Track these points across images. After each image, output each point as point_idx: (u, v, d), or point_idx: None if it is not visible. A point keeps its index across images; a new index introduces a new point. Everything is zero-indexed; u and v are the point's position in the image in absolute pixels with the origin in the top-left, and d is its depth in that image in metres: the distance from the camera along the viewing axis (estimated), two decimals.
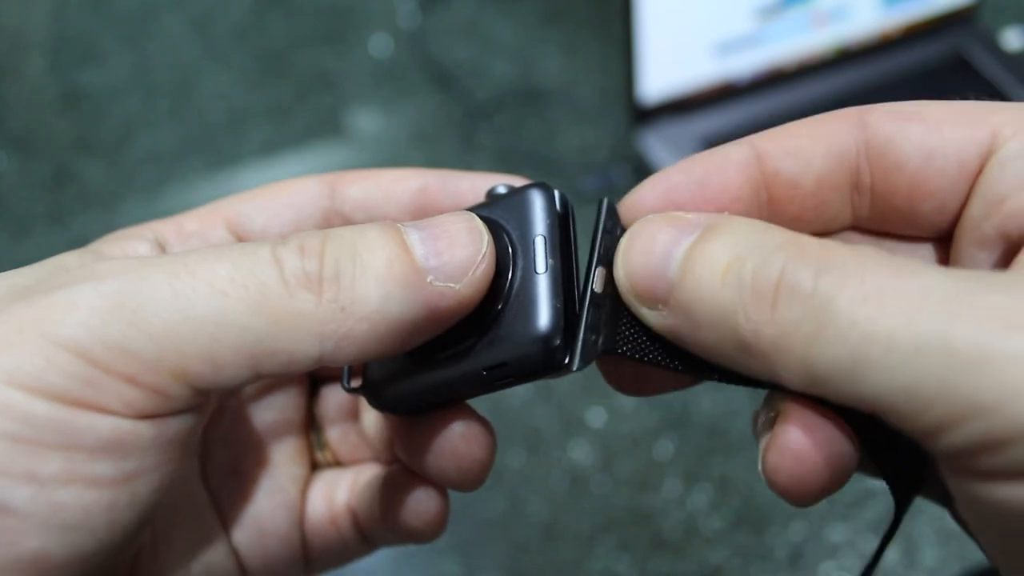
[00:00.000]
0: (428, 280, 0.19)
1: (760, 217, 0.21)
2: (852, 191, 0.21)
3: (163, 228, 0.23)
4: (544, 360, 0.20)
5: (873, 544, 0.55)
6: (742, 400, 0.61)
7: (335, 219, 0.25)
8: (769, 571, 0.55)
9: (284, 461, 0.25)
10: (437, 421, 0.22)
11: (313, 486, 0.26)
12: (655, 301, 0.19)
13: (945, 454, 0.15)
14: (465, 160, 0.78)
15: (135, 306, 0.17)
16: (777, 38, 0.75)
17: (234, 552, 0.24)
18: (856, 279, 0.15)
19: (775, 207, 0.21)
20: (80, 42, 0.91)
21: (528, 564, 0.56)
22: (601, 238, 0.21)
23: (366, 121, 0.82)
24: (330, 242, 0.18)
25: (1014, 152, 0.18)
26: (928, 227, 0.21)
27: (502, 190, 0.23)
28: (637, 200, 0.22)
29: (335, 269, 0.18)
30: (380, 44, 0.88)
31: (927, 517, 0.55)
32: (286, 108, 0.84)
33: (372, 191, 0.25)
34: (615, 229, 0.22)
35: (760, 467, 0.19)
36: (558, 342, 0.20)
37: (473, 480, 0.23)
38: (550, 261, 0.21)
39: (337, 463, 0.27)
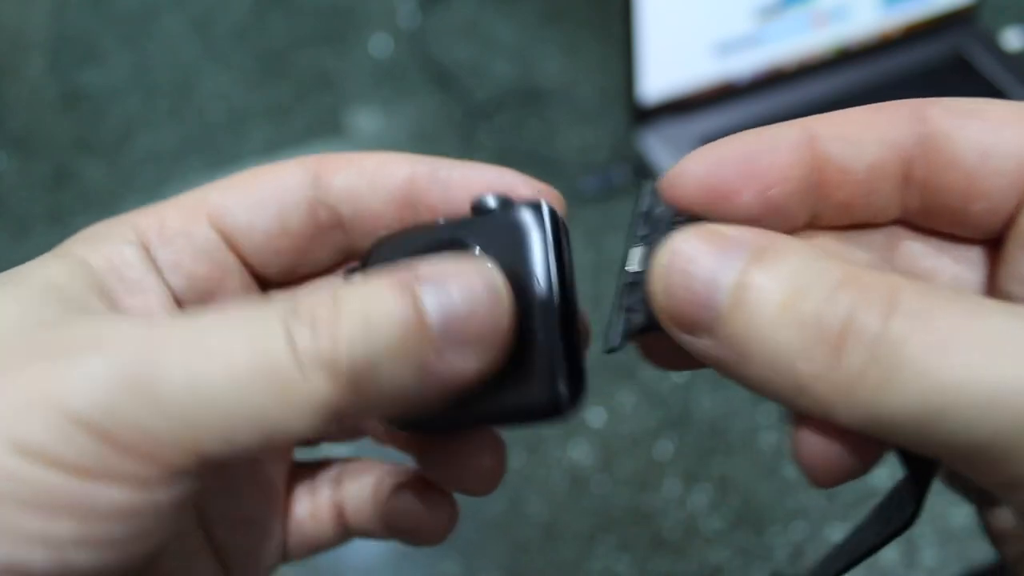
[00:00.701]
0: (444, 357, 0.18)
1: (808, 201, 0.20)
2: (904, 183, 0.20)
3: (145, 224, 0.22)
4: (552, 413, 0.20)
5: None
6: (742, 400, 0.61)
7: (321, 211, 0.24)
8: (769, 571, 0.55)
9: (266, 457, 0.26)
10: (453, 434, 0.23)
11: (296, 479, 0.26)
12: (699, 330, 0.18)
13: (1020, 507, 0.15)
14: (465, 159, 0.78)
15: (152, 387, 0.17)
16: (777, 38, 0.75)
17: (217, 547, 0.24)
18: (925, 323, 0.15)
19: (824, 191, 0.20)
20: (80, 42, 0.91)
21: (528, 564, 0.56)
22: (643, 219, 0.20)
23: (366, 121, 0.82)
24: (343, 317, 0.18)
25: None
26: (978, 228, 0.20)
27: (491, 203, 0.22)
28: (682, 173, 0.20)
29: (348, 349, 0.17)
30: (380, 44, 0.88)
31: (927, 517, 0.55)
32: (286, 108, 0.84)
33: (357, 180, 0.24)
34: (655, 208, 0.20)
35: (790, 445, 0.19)
36: (564, 395, 0.20)
37: (487, 487, 0.23)
38: (552, 304, 0.20)
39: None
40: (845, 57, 0.78)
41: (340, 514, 0.26)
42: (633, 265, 0.20)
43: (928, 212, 0.20)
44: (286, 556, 0.26)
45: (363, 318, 0.18)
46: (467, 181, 0.24)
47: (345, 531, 0.26)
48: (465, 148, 0.79)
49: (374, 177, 0.24)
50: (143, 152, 0.80)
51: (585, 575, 0.55)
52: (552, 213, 0.21)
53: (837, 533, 0.56)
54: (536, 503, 0.58)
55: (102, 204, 0.76)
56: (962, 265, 0.20)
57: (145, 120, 0.83)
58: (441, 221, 0.22)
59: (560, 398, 0.20)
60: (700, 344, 0.18)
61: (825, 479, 0.18)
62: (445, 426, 0.22)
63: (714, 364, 0.18)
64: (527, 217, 0.21)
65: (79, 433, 0.16)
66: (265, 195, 0.23)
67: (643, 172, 0.74)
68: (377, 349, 0.18)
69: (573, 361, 0.21)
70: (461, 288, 0.18)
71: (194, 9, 0.92)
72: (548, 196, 0.23)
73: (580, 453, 0.60)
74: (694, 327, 0.18)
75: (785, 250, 0.17)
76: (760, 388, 0.17)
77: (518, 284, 0.20)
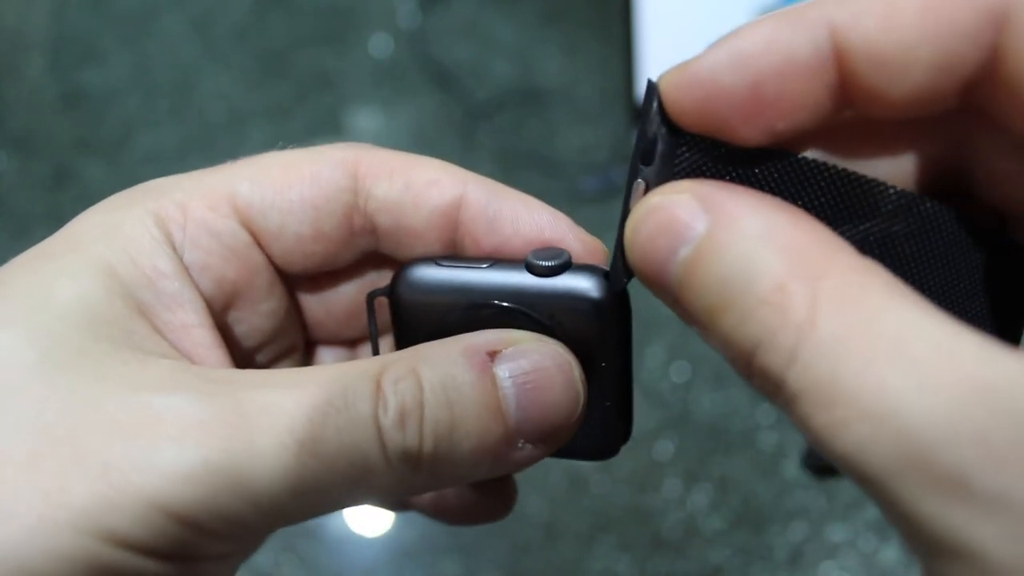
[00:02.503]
0: (518, 446, 0.19)
1: (828, 120, 0.17)
2: (962, 95, 0.16)
3: (166, 214, 0.21)
4: (604, 458, 0.23)
5: (873, 544, 0.56)
6: (742, 400, 0.61)
7: (357, 218, 0.22)
8: (769, 571, 0.55)
9: None
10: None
11: None
12: (664, 296, 0.17)
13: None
14: (465, 160, 0.78)
15: (244, 482, 0.17)
16: None
17: None
18: (827, 377, 0.14)
19: (850, 110, 0.17)
20: (80, 42, 0.91)
21: (528, 564, 0.56)
22: (643, 144, 0.18)
23: (366, 121, 0.82)
24: (428, 406, 0.18)
25: None
26: None
27: (548, 266, 0.21)
28: (675, 95, 0.17)
29: (433, 447, 0.18)
30: (380, 44, 0.88)
31: None
32: (286, 108, 0.84)
33: (402, 195, 0.22)
34: (654, 126, 0.18)
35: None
36: (619, 447, 0.22)
37: (491, 521, 0.24)
38: (623, 374, 0.21)
39: None
40: None
41: None
42: (633, 201, 0.19)
43: (998, 119, 0.16)
44: None
45: (448, 414, 0.18)
46: (516, 217, 0.22)
47: None
48: (465, 148, 0.79)
49: (420, 195, 0.22)
50: (143, 152, 0.80)
51: (585, 575, 0.55)
52: (619, 289, 0.21)
53: (837, 533, 0.56)
54: (536, 503, 0.58)
55: None
56: None
57: (145, 120, 0.83)
58: (486, 264, 0.21)
59: (616, 450, 0.22)
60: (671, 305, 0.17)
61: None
62: None
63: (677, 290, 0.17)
64: (598, 289, 0.20)
65: (171, 525, 0.16)
66: (300, 196, 0.22)
67: None
68: (460, 445, 0.18)
69: (628, 414, 0.22)
70: (539, 378, 0.19)
71: (194, 9, 0.92)
72: (595, 248, 0.22)
73: None
74: (662, 295, 0.17)
75: (732, 235, 0.15)
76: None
77: (587, 351, 0.21)
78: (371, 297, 0.23)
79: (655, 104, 0.18)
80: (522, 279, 0.21)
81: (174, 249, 0.21)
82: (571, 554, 0.56)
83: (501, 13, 0.89)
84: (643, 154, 0.18)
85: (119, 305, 0.19)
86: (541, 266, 0.21)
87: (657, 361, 0.63)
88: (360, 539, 0.56)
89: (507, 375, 0.19)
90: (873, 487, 0.13)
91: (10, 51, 0.91)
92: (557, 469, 0.59)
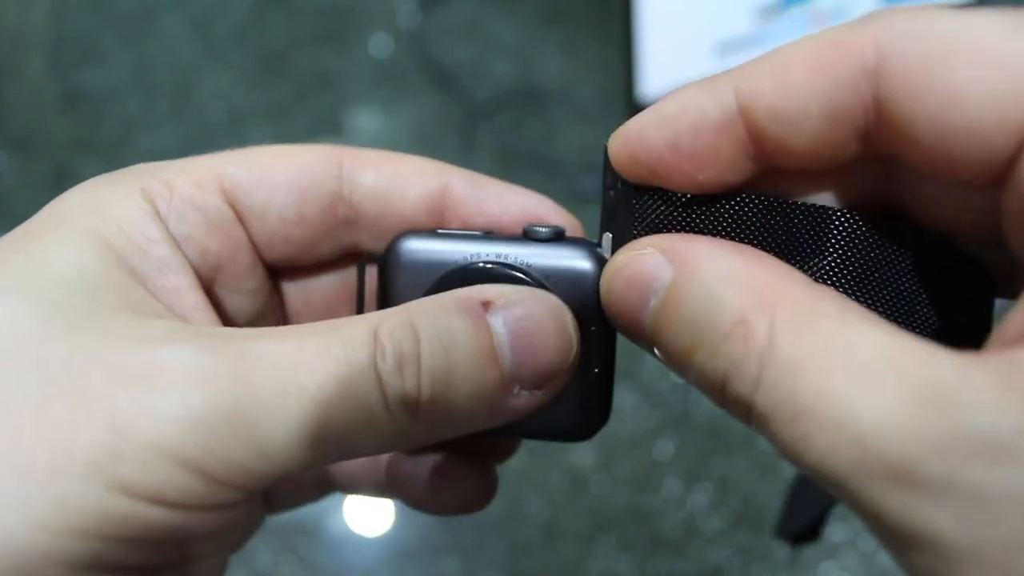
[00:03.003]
0: (514, 391, 0.19)
1: (749, 168, 0.18)
2: (860, 141, 0.17)
3: (154, 189, 0.22)
4: (584, 437, 0.23)
5: (873, 544, 0.55)
6: None
7: (340, 206, 0.23)
8: (769, 571, 0.55)
9: None
10: (452, 461, 0.24)
11: None
12: (641, 340, 0.19)
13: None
14: (465, 160, 0.78)
15: (249, 427, 0.17)
16: (777, 38, 0.75)
17: None
18: (787, 397, 0.15)
19: (764, 160, 0.18)
20: (80, 42, 0.91)
21: (528, 564, 0.56)
22: (609, 196, 0.20)
23: (366, 121, 0.82)
24: (424, 353, 0.18)
25: None
26: (962, 182, 0.17)
27: (543, 232, 0.22)
28: (617, 151, 0.19)
29: (430, 391, 0.18)
30: (380, 44, 0.88)
31: None
32: (286, 108, 0.84)
33: (387, 182, 0.23)
34: (615, 182, 0.20)
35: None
36: (601, 424, 0.22)
37: (469, 512, 0.24)
38: (603, 349, 0.21)
39: None
40: None
41: (333, 472, 0.26)
42: (605, 252, 0.21)
43: (902, 162, 0.18)
44: (271, 508, 0.26)
45: (443, 356, 0.18)
46: (502, 200, 0.24)
47: (329, 484, 0.27)
48: (465, 148, 0.79)
49: (407, 182, 0.23)
50: (143, 152, 0.80)
51: (585, 575, 0.55)
52: (598, 248, 0.22)
53: (837, 533, 0.56)
54: (536, 503, 0.58)
55: None
56: (960, 197, 0.18)
57: (145, 120, 0.83)
58: (480, 232, 0.22)
59: (596, 426, 0.22)
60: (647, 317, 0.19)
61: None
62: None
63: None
64: (591, 258, 0.21)
65: (178, 471, 0.17)
66: (286, 179, 0.22)
67: None
68: (457, 390, 0.18)
69: (608, 392, 0.22)
70: (533, 324, 0.19)
71: (194, 9, 0.92)
72: (579, 229, 0.24)
73: (580, 453, 0.60)
74: (638, 339, 0.19)
75: (693, 281, 0.17)
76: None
77: (579, 314, 0.21)
78: (363, 262, 0.23)
79: (605, 162, 0.20)
80: (518, 244, 0.22)
81: (160, 219, 0.21)
82: (571, 554, 0.56)
83: (501, 13, 0.89)
84: (608, 209, 0.20)
85: (114, 271, 0.19)
86: (539, 232, 0.22)
87: (657, 361, 0.63)
88: (360, 539, 0.56)
89: (500, 321, 0.19)
90: (841, 492, 0.15)
91: (10, 51, 0.91)
92: (557, 469, 0.59)
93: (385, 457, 0.25)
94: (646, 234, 0.20)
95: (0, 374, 0.17)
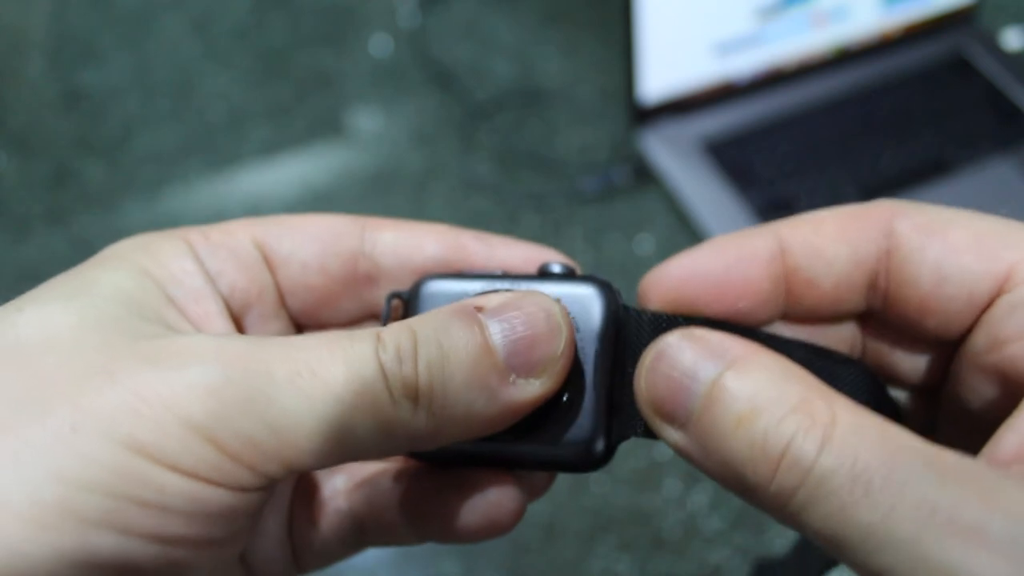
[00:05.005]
0: (510, 379, 0.20)
1: (776, 307, 0.23)
2: (869, 289, 0.22)
3: (190, 236, 0.24)
4: (586, 468, 0.22)
5: None
6: None
7: (362, 262, 0.25)
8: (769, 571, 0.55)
9: None
10: (469, 482, 0.23)
11: (305, 487, 0.26)
12: (674, 422, 0.20)
13: None
14: (465, 160, 0.78)
15: (262, 401, 0.18)
16: (777, 38, 0.75)
17: (241, 557, 0.24)
18: (851, 462, 0.17)
19: (792, 298, 0.22)
20: (80, 42, 0.91)
21: (528, 564, 0.56)
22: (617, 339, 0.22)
23: (366, 121, 0.82)
24: (420, 346, 0.20)
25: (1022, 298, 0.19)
26: (932, 337, 0.21)
27: (556, 269, 0.24)
28: (664, 275, 0.22)
29: (428, 378, 0.19)
30: (380, 44, 0.88)
31: None
32: (286, 108, 0.84)
33: (405, 239, 0.25)
34: (624, 320, 0.22)
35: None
36: (600, 455, 0.22)
37: (496, 536, 0.24)
38: (605, 376, 0.22)
39: None
40: (845, 57, 0.78)
41: (356, 522, 0.26)
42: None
43: (890, 314, 0.22)
44: (299, 566, 0.26)
45: (438, 347, 0.19)
46: (510, 252, 0.26)
47: (359, 539, 0.26)
48: (465, 148, 0.79)
49: (424, 240, 0.25)
50: (143, 152, 0.80)
51: (585, 575, 0.55)
52: (616, 297, 0.23)
53: None
54: (536, 503, 0.58)
55: (102, 204, 0.76)
56: (919, 363, 0.23)
57: (145, 120, 0.83)
58: (499, 272, 0.24)
59: (594, 457, 0.22)
60: (673, 435, 0.20)
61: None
62: (472, 461, 0.23)
63: (681, 453, 0.20)
64: (596, 289, 0.22)
65: (192, 438, 0.17)
66: (312, 232, 0.25)
67: (643, 172, 0.74)
68: (452, 375, 0.19)
69: (612, 424, 0.22)
70: (523, 316, 0.20)
71: (194, 9, 0.93)
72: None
73: None
74: (671, 419, 0.20)
75: (756, 365, 0.19)
76: (718, 480, 0.19)
77: (580, 346, 0.22)
78: (390, 297, 0.25)
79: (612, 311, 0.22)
80: (533, 280, 0.23)
81: (196, 257, 0.23)
82: (571, 554, 0.56)
83: (501, 13, 0.89)
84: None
85: (152, 295, 0.21)
86: (552, 268, 0.24)
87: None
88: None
89: (491, 316, 0.20)
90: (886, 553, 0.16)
91: (10, 51, 0.91)
92: None
93: (406, 499, 0.25)
94: None
95: (35, 356, 0.18)
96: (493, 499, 0.24)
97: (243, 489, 0.19)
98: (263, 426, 0.18)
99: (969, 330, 0.21)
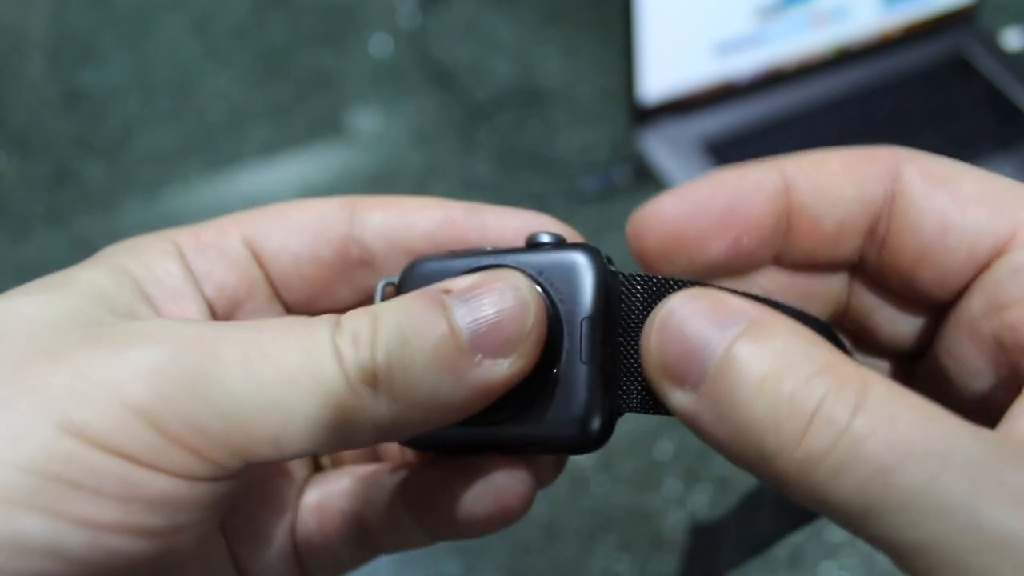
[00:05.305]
0: (476, 360, 0.19)
1: (774, 246, 0.21)
2: (868, 236, 0.21)
3: (181, 237, 0.23)
4: (585, 447, 0.21)
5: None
6: None
7: (353, 247, 0.24)
8: (769, 571, 0.55)
9: (283, 467, 0.25)
10: (474, 469, 0.23)
11: (306, 491, 0.25)
12: (684, 384, 0.18)
13: None
14: (465, 160, 0.78)
15: (209, 384, 0.17)
16: (777, 38, 0.75)
17: (238, 564, 0.24)
18: (888, 425, 0.16)
19: (791, 237, 0.21)
20: (80, 42, 0.91)
21: (528, 564, 0.56)
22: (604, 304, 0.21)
23: (366, 121, 0.82)
24: (380, 330, 0.19)
25: None
26: (924, 294, 0.21)
27: (545, 238, 0.22)
28: (660, 210, 0.21)
29: (387, 361, 0.18)
30: (380, 44, 0.88)
31: None
32: (286, 108, 0.84)
33: (394, 219, 0.24)
34: (614, 284, 0.21)
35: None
36: (598, 431, 0.21)
37: (507, 524, 0.23)
38: (596, 347, 0.21)
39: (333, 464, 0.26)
40: (845, 57, 0.78)
41: (361, 524, 0.25)
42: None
43: (883, 266, 0.21)
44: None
45: (399, 330, 0.19)
46: (503, 222, 0.24)
47: (367, 543, 0.25)
48: (465, 148, 0.79)
49: (412, 217, 0.24)
50: (143, 152, 0.80)
51: (585, 575, 0.55)
52: (606, 259, 0.22)
53: (837, 533, 0.56)
54: (536, 503, 0.58)
55: (102, 204, 0.76)
56: (905, 326, 0.22)
57: (145, 120, 0.83)
58: (490, 248, 0.23)
59: (591, 434, 0.21)
60: (681, 398, 0.18)
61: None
62: (468, 448, 0.23)
63: (688, 419, 0.19)
64: (584, 256, 0.21)
65: (133, 421, 0.17)
66: (301, 223, 0.24)
67: (643, 172, 0.74)
68: (413, 358, 0.18)
69: (608, 399, 0.21)
70: (488, 296, 0.19)
71: (194, 9, 0.93)
72: (577, 239, 0.24)
73: None
74: (681, 380, 0.18)
75: (777, 328, 0.18)
76: (727, 450, 0.18)
77: (568, 318, 0.21)
78: (384, 285, 0.24)
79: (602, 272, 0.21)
80: (520, 252, 0.22)
81: (183, 258, 0.23)
82: (571, 554, 0.56)
83: (501, 13, 0.89)
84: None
85: (127, 291, 0.21)
86: (540, 239, 0.22)
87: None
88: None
89: (454, 297, 0.20)
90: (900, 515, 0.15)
91: (10, 51, 0.91)
92: None
93: (410, 493, 0.24)
94: None
95: None
96: (501, 483, 0.23)
97: (190, 477, 0.18)
98: (209, 409, 0.17)
99: (962, 293, 0.20)
